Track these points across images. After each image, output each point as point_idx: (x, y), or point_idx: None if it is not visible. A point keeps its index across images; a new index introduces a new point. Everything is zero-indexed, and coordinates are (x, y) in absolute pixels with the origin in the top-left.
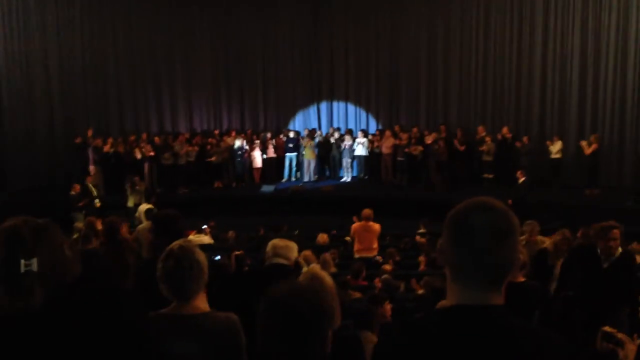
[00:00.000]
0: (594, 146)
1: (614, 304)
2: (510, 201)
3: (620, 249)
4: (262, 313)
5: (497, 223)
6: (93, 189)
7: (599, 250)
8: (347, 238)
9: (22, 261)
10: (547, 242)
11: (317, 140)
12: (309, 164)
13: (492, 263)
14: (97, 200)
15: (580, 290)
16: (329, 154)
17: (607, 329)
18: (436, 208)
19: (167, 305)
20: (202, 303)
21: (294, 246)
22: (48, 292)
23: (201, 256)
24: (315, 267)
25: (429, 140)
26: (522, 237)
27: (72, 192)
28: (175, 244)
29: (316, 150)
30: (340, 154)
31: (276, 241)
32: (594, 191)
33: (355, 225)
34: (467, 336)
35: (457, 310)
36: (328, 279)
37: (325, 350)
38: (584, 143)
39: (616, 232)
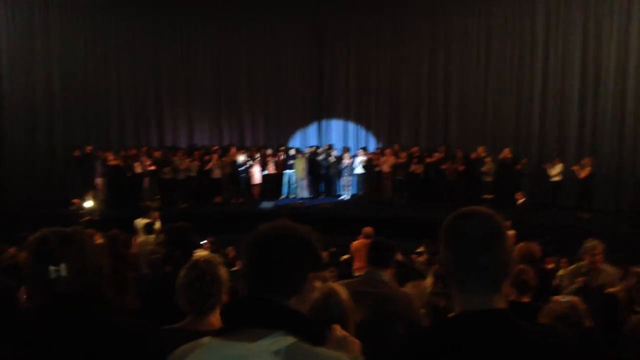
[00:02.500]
0: (587, 169)
1: None
2: (508, 222)
3: None
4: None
5: (486, 226)
6: (93, 202)
7: None
8: (343, 257)
9: (51, 267)
10: (610, 271)
11: (318, 158)
12: (299, 181)
13: (488, 264)
14: (95, 213)
15: None
16: (320, 172)
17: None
18: (437, 227)
19: (181, 320)
20: (217, 320)
21: None
22: (80, 297)
23: (223, 273)
24: (332, 283)
25: (430, 159)
26: (582, 264)
27: (72, 207)
28: (201, 256)
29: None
30: (340, 171)
31: None
32: (586, 214)
33: (356, 242)
34: (476, 340)
35: (464, 317)
36: (344, 294)
37: (297, 288)
38: (576, 168)
39: None
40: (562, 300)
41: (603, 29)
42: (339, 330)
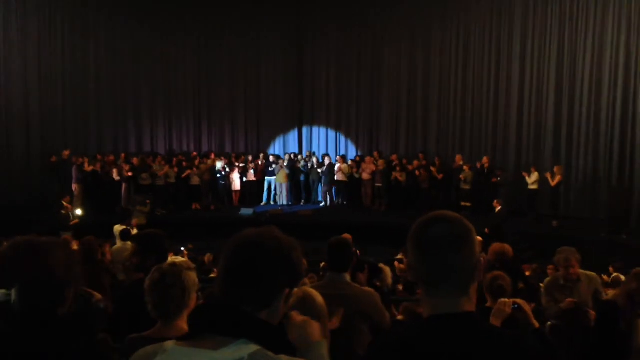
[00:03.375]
0: (558, 178)
1: None
2: (486, 230)
3: None
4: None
5: (453, 231)
6: (68, 207)
7: None
8: (322, 264)
9: (2, 291)
10: (591, 276)
11: (298, 164)
12: (281, 187)
13: (456, 267)
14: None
15: None
16: (300, 179)
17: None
18: None
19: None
20: (186, 325)
21: None
22: (33, 316)
23: (189, 277)
24: (307, 287)
25: (411, 167)
26: (558, 274)
27: (63, 212)
28: (169, 262)
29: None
30: (320, 178)
31: None
32: (555, 221)
33: None
34: (444, 344)
35: (432, 320)
36: (319, 298)
37: (269, 302)
38: (548, 175)
39: None
40: (509, 302)
41: (578, 40)
42: (297, 316)
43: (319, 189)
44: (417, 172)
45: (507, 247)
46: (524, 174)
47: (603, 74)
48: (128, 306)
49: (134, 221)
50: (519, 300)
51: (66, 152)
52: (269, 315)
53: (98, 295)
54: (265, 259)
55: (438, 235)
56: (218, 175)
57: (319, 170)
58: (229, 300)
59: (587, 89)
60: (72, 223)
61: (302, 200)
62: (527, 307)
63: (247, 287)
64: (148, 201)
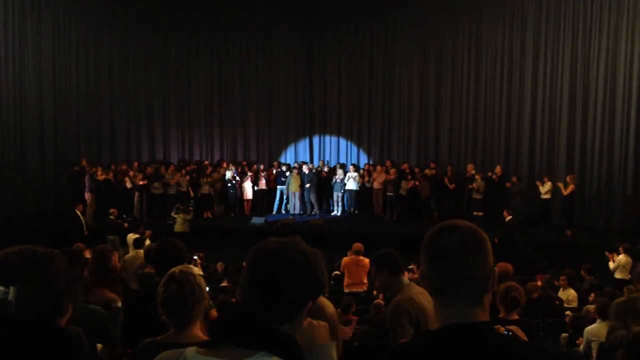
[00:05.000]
0: (571, 187)
1: None
2: (496, 239)
3: None
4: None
5: (466, 239)
6: (82, 217)
7: None
8: (334, 273)
9: (0, 288)
10: None
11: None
12: (294, 196)
13: (468, 277)
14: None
15: None
16: (312, 188)
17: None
18: None
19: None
20: (199, 332)
21: None
22: (31, 323)
23: (202, 281)
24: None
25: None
26: (638, 296)
27: (111, 217)
28: (176, 268)
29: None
30: (332, 187)
31: None
32: (568, 231)
33: (346, 259)
34: (456, 354)
35: (446, 331)
36: (331, 308)
37: (292, 315)
38: (561, 184)
39: None
40: (502, 328)
41: (591, 48)
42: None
43: (334, 198)
44: (416, 182)
45: (509, 267)
46: (538, 183)
47: (617, 82)
48: (139, 314)
49: (148, 232)
50: (512, 327)
51: (84, 161)
52: (290, 327)
53: (119, 301)
54: (290, 272)
55: (450, 244)
56: (229, 184)
57: (341, 179)
58: (251, 311)
59: (600, 98)
60: (125, 226)
61: (314, 209)
62: (521, 332)
63: (271, 299)
64: (191, 208)
